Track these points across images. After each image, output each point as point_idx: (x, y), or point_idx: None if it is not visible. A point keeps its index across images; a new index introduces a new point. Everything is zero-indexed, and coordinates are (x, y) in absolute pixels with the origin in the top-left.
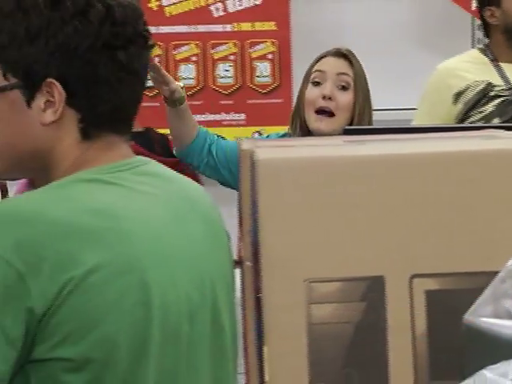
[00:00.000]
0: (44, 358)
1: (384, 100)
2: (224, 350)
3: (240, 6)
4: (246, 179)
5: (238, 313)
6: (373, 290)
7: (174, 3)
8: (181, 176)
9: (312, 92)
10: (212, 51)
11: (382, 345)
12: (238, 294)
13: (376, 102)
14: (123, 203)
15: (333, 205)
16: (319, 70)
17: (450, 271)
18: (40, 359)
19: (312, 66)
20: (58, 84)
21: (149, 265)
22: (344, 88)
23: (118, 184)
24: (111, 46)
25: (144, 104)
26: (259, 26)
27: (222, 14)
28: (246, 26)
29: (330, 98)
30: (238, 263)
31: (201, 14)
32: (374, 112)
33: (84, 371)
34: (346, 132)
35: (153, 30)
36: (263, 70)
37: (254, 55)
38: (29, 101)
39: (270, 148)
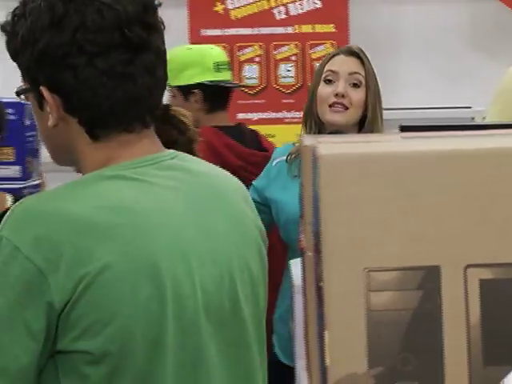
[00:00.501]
0: (67, 350)
1: (438, 99)
2: (245, 341)
3: (301, 9)
4: (307, 174)
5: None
6: (429, 279)
7: (239, 7)
8: (213, 170)
9: (325, 89)
10: (274, 52)
11: (437, 331)
12: (298, 282)
13: (431, 100)
14: (142, 198)
15: (391, 198)
16: (331, 70)
17: (504, 261)
18: (64, 351)
19: (324, 64)
20: (45, 90)
21: (163, 259)
22: (356, 85)
23: (140, 179)
24: (87, 52)
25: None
26: (319, 28)
27: (284, 16)
28: (306, 28)
29: (342, 96)
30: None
31: (264, 17)
32: (429, 110)
33: (102, 364)
34: (403, 129)
35: (218, 32)
36: None
37: (313, 56)
38: (40, 104)
39: (331, 144)
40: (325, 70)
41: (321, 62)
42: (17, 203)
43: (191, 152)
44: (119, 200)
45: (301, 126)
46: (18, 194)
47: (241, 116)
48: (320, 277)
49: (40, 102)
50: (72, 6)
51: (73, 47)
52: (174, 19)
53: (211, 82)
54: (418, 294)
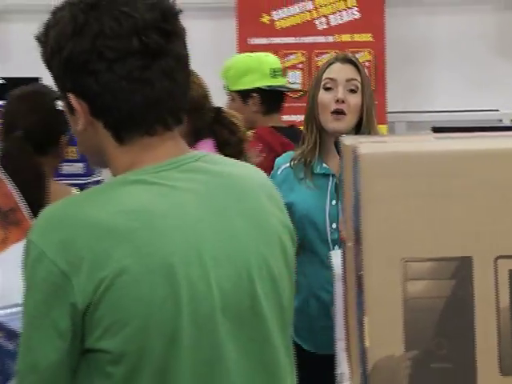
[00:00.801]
0: (93, 349)
1: (468, 102)
2: (266, 336)
3: (341, 19)
4: (348, 171)
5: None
6: (461, 268)
7: (284, 18)
8: (237, 170)
9: (325, 96)
10: (316, 59)
11: (469, 317)
12: (339, 271)
13: (461, 104)
14: (161, 201)
15: (427, 193)
16: (330, 78)
17: None
18: (91, 349)
19: (322, 72)
20: (72, 96)
21: (179, 261)
22: (353, 91)
23: (160, 183)
24: (106, 58)
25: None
26: (358, 37)
27: (325, 26)
28: (345, 38)
29: (342, 102)
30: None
31: (306, 27)
32: (459, 113)
33: (122, 363)
34: (435, 130)
35: (264, 40)
36: None
37: None
38: (70, 110)
39: (371, 143)
40: (323, 78)
41: (318, 71)
42: (45, 208)
43: (241, 150)
44: (138, 204)
45: None
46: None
47: (285, 118)
48: (360, 266)
49: (70, 107)
50: (92, 15)
51: (93, 54)
52: (224, 29)
53: (268, 86)
54: (451, 283)
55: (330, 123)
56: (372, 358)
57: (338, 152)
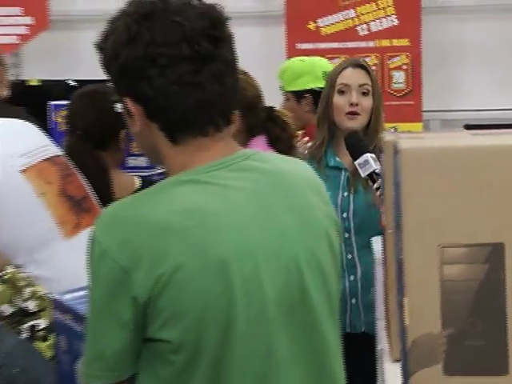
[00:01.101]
0: (154, 339)
1: (496, 102)
2: (316, 325)
3: (381, 26)
4: (389, 165)
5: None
6: (494, 254)
7: (328, 25)
8: (285, 166)
9: (340, 100)
10: None
11: (501, 299)
12: (379, 255)
13: (490, 103)
14: (213, 200)
15: (462, 184)
16: (344, 83)
17: None
18: (152, 339)
19: (335, 75)
20: (128, 100)
21: (232, 257)
22: (365, 94)
23: (212, 183)
24: (158, 64)
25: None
26: (396, 42)
27: (366, 33)
28: (385, 43)
29: (356, 104)
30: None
31: (349, 33)
32: (489, 111)
33: (180, 353)
34: (468, 127)
35: (311, 46)
36: (399, 78)
37: (391, 66)
38: (128, 113)
39: (410, 139)
40: (337, 82)
41: (331, 73)
42: (106, 208)
43: (291, 146)
44: (191, 203)
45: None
46: (146, 179)
47: None
48: (400, 252)
49: (127, 110)
50: (145, 25)
51: (146, 60)
52: (274, 36)
53: (320, 88)
54: (484, 267)
55: (346, 123)
56: (411, 336)
57: (347, 147)
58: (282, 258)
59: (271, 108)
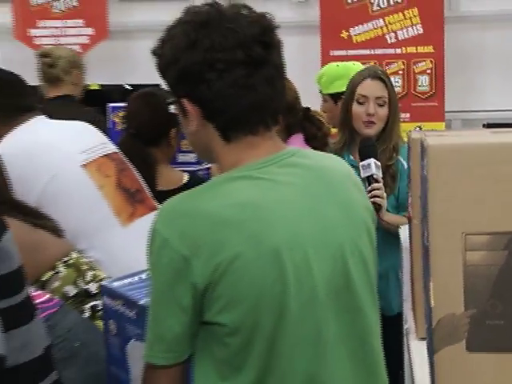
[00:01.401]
0: (211, 322)
1: None
2: (359, 307)
3: (407, 34)
4: (415, 160)
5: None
6: None
7: (360, 33)
8: (326, 162)
9: (359, 109)
10: (386, 68)
11: None
12: (406, 244)
13: (508, 103)
14: (265, 194)
15: (485, 178)
16: (362, 95)
17: None
18: (209, 322)
19: (355, 85)
20: (186, 102)
21: (284, 247)
22: (381, 105)
23: (263, 178)
24: (216, 68)
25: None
26: (421, 49)
27: (394, 40)
28: (411, 50)
29: (372, 115)
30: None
31: (378, 41)
32: (507, 112)
33: (236, 336)
34: (488, 126)
35: (343, 52)
36: (423, 81)
37: (416, 70)
38: (184, 113)
39: (437, 137)
40: (357, 92)
41: (352, 81)
42: (166, 201)
43: (326, 143)
44: (245, 197)
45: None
46: (193, 175)
47: None
48: (427, 239)
49: (184, 111)
50: (202, 33)
51: (205, 65)
52: (310, 44)
53: None
54: (504, 253)
55: (363, 130)
56: (436, 316)
57: (358, 150)
58: (329, 249)
59: (307, 109)
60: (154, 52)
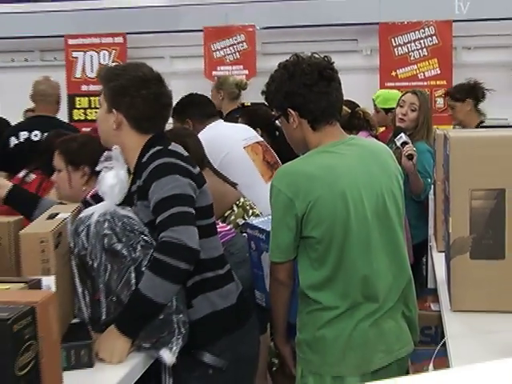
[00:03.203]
0: (307, 236)
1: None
2: (392, 227)
3: (430, 73)
4: (440, 147)
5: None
6: (499, 194)
7: (402, 73)
8: (372, 144)
9: (398, 110)
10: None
11: (502, 219)
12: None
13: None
14: (336, 161)
15: (483, 156)
16: (402, 100)
17: None
18: (305, 236)
19: (401, 97)
20: (290, 110)
21: (347, 190)
22: (413, 110)
23: (335, 152)
24: (307, 85)
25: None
26: (439, 82)
27: (422, 77)
28: (432, 82)
29: (404, 114)
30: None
31: (413, 78)
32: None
33: (321, 243)
34: (482, 127)
35: (392, 84)
36: (440, 101)
37: (436, 95)
38: (287, 119)
39: (458, 132)
40: (400, 100)
41: (400, 96)
42: (281, 166)
43: (376, 137)
44: (325, 163)
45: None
46: None
47: None
48: (448, 192)
49: (287, 118)
50: (296, 68)
51: (300, 85)
52: (373, 79)
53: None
54: (494, 201)
55: (398, 123)
56: (452, 238)
57: (393, 133)
58: (373, 190)
59: (355, 107)
60: (263, 92)
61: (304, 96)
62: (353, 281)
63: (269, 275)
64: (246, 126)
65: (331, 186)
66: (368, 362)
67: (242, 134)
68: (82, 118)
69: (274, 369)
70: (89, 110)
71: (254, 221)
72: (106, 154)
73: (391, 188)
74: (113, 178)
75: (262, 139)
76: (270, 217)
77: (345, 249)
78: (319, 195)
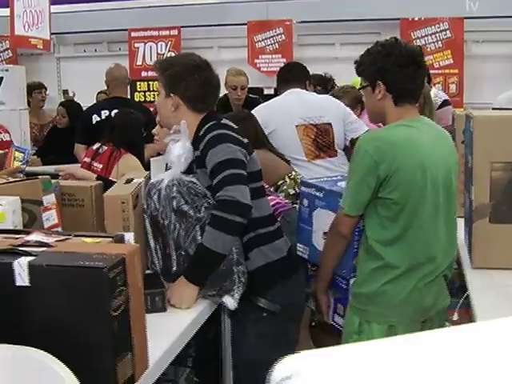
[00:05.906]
0: (385, 197)
1: None
2: (451, 200)
3: (444, 63)
4: (459, 127)
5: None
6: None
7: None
8: (440, 128)
9: None
10: (433, 80)
11: None
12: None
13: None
14: (414, 134)
15: (501, 133)
16: None
17: None
18: (382, 197)
19: None
20: (380, 83)
21: (426, 161)
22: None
23: (412, 126)
24: (400, 65)
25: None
26: (452, 71)
27: (437, 66)
28: (446, 71)
29: None
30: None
31: (430, 67)
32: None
33: (396, 205)
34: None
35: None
36: (453, 87)
37: (449, 82)
38: (373, 90)
39: (481, 112)
40: None
41: None
42: (367, 132)
43: None
44: (405, 134)
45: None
46: None
47: None
48: (471, 164)
49: (373, 88)
50: (394, 49)
51: (394, 65)
52: None
53: None
54: (510, 173)
55: None
56: (474, 203)
57: None
58: (444, 166)
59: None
60: (356, 61)
61: (395, 75)
62: (418, 242)
63: (317, 230)
64: (327, 103)
65: (412, 156)
66: (420, 313)
67: (303, 112)
68: (142, 99)
69: (313, 324)
70: (148, 93)
71: (311, 180)
72: (174, 127)
73: (453, 167)
74: (180, 149)
75: (328, 121)
76: (323, 178)
77: (417, 213)
78: (402, 163)
